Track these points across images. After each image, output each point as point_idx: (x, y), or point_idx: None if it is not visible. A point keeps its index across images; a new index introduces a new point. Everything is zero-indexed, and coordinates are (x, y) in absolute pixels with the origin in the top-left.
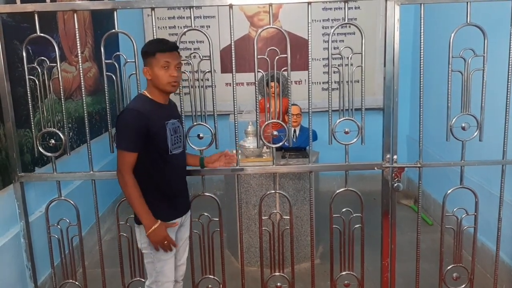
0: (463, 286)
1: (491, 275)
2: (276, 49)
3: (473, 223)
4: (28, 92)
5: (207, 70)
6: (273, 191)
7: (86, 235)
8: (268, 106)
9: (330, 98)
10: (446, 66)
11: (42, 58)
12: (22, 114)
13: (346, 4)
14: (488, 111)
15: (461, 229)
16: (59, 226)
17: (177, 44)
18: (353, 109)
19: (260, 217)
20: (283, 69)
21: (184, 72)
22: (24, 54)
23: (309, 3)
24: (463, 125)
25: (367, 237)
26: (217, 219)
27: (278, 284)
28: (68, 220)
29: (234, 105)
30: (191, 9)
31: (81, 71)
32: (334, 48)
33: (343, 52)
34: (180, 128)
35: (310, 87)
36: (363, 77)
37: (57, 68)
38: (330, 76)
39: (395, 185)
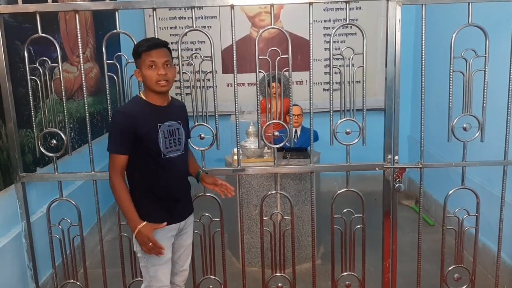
0: (464, 286)
1: (493, 276)
2: (278, 49)
3: (474, 223)
4: (30, 92)
5: (209, 71)
6: (274, 192)
7: (87, 235)
8: (269, 106)
9: (331, 99)
10: (447, 66)
11: (44, 58)
12: (24, 114)
13: (347, 4)
14: (490, 112)
15: (462, 229)
16: (60, 226)
17: (166, 41)
18: (354, 110)
19: (261, 217)
20: (284, 70)
21: (185, 73)
22: (25, 54)
23: (310, 3)
24: (465, 125)
25: (368, 237)
26: (218, 219)
27: (279, 284)
28: (69, 220)
29: (235, 105)
30: (193, 10)
31: (82, 72)
32: (336, 49)
33: (345, 53)
34: (179, 131)
35: (311, 87)
36: (364, 77)
37: (59, 69)
38: (331, 76)
39: (396, 185)
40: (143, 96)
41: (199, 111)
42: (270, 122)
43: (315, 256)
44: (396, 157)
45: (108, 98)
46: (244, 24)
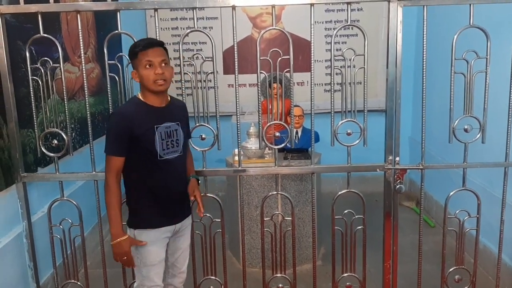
0: None
1: (493, 278)
2: (279, 50)
3: (475, 225)
4: (31, 93)
5: (210, 71)
6: (275, 192)
7: (88, 235)
8: (270, 107)
9: (332, 100)
10: (448, 68)
11: (45, 58)
12: (25, 114)
13: (349, 5)
14: (491, 113)
15: (463, 231)
16: (61, 226)
17: (162, 41)
18: (356, 111)
19: (262, 218)
20: (285, 71)
21: (187, 73)
22: (27, 54)
23: (311, 4)
24: (466, 127)
25: (369, 238)
26: (219, 220)
27: (280, 285)
28: (70, 220)
29: (236, 106)
30: (194, 10)
31: (84, 72)
32: (337, 50)
33: (346, 54)
34: (178, 132)
35: (312, 88)
36: (365, 78)
37: (60, 69)
38: (332, 77)
39: (397, 186)
40: (140, 97)
41: (200, 112)
42: (271, 123)
43: (315, 257)
44: (397, 158)
45: (109, 98)
46: (245, 25)
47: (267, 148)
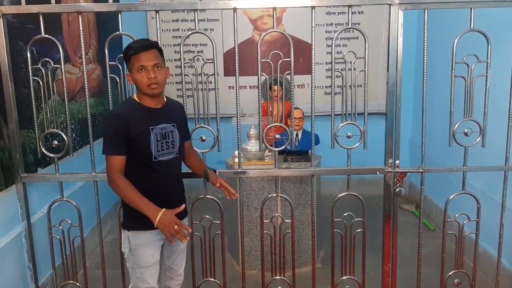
0: None
1: (493, 281)
2: (280, 52)
3: (475, 229)
4: (32, 93)
5: (210, 73)
6: (275, 195)
7: (87, 236)
8: (270, 109)
9: (332, 102)
10: (449, 71)
11: (46, 59)
12: (26, 115)
13: (349, 8)
14: (491, 117)
15: (462, 234)
16: (60, 227)
17: (156, 42)
18: (356, 114)
19: (262, 220)
20: (286, 73)
21: (187, 75)
22: (28, 55)
23: (313, 7)
24: (466, 130)
25: (368, 241)
26: (219, 221)
27: (279, 287)
28: (69, 221)
29: (237, 108)
30: (195, 12)
31: (84, 73)
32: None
33: (346, 57)
34: (173, 134)
35: (312, 91)
36: (366, 81)
37: (61, 70)
38: (333, 80)
39: (397, 190)
40: (136, 98)
41: (201, 113)
42: (272, 125)
43: (315, 259)
44: (397, 162)
45: (110, 99)
46: (246, 27)
47: (267, 150)
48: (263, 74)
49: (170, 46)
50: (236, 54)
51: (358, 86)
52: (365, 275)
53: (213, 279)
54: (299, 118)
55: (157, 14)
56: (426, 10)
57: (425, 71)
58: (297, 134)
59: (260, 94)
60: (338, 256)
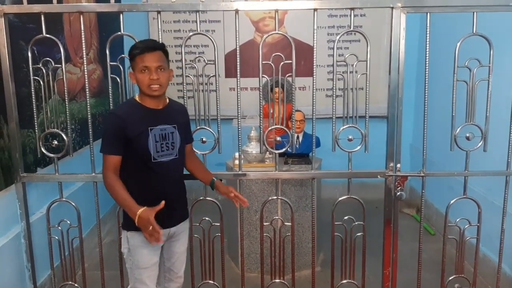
0: None
1: (493, 287)
2: (281, 54)
3: (475, 233)
4: (33, 93)
5: (212, 75)
6: (275, 197)
7: (86, 237)
8: (271, 111)
9: (334, 105)
10: (451, 75)
11: (47, 59)
12: (26, 114)
13: (352, 11)
14: (493, 122)
15: (463, 239)
16: (59, 228)
17: (162, 43)
18: (357, 117)
19: (262, 223)
20: (287, 75)
21: (188, 76)
22: (29, 54)
23: (315, 9)
24: (468, 135)
25: (368, 245)
26: (218, 224)
27: None
28: (68, 222)
29: (238, 110)
30: (197, 13)
31: (85, 73)
32: (339, 55)
33: (348, 59)
34: (174, 135)
35: (314, 93)
36: (367, 84)
37: (62, 69)
38: (334, 83)
39: (398, 193)
40: (137, 99)
41: (201, 115)
42: (272, 127)
43: (315, 263)
44: (398, 165)
45: (110, 100)
46: (248, 28)
47: (267, 153)
48: (265, 76)
49: (172, 47)
50: (238, 56)
51: (360, 89)
52: (365, 279)
53: (212, 282)
54: (300, 120)
55: (159, 15)
56: (428, 13)
57: (427, 74)
58: (298, 137)
59: (261, 96)
60: (338, 260)
